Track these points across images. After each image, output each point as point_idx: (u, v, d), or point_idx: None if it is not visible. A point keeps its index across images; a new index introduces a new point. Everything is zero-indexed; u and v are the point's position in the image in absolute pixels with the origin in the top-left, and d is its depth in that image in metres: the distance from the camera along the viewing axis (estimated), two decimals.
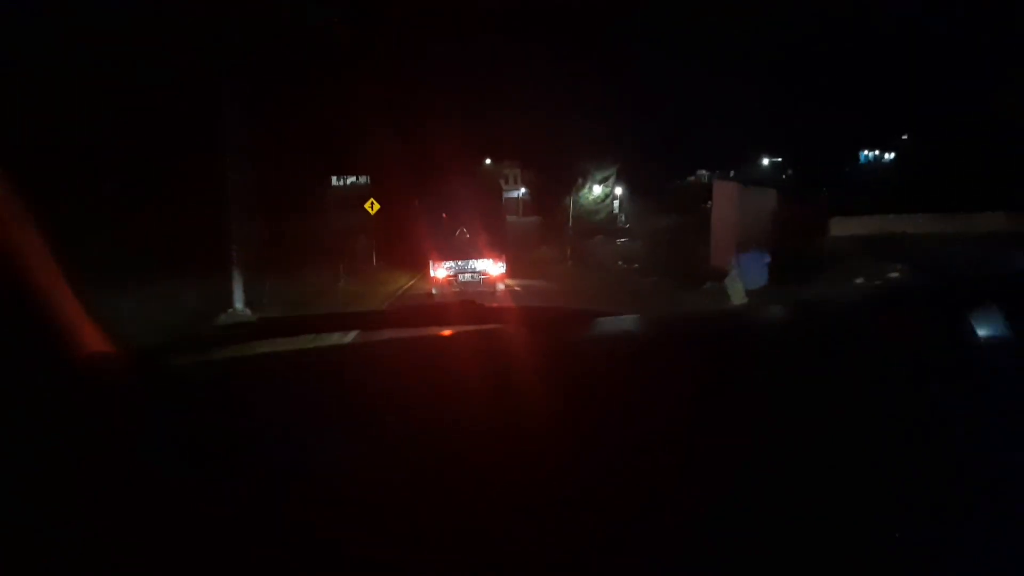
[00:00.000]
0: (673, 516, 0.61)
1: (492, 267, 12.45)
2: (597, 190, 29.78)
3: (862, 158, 27.60)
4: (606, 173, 29.36)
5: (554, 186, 29.54)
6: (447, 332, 1.07)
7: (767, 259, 11.53)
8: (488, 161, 31.87)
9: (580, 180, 29.06)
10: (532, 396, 0.79)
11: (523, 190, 34.06)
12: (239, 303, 9.27)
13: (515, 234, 19.85)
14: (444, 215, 13.04)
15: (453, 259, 12.39)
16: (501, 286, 12.38)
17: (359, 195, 19.50)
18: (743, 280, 11.07)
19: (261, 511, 0.63)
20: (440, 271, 12.34)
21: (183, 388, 0.87)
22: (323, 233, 15.77)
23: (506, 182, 32.49)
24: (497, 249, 12.63)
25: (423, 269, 13.34)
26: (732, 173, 27.54)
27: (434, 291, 12.21)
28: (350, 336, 1.39)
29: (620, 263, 20.27)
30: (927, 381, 0.76)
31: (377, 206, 17.79)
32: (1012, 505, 0.59)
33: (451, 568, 0.58)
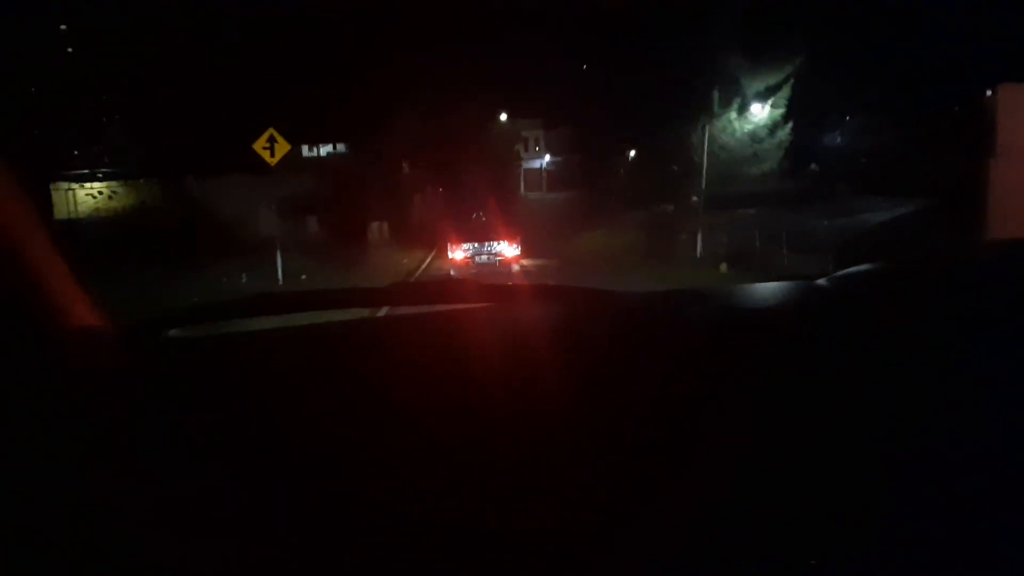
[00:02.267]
0: (673, 516, 0.63)
1: (507, 248, 13.45)
2: (759, 112, 15.20)
3: None
4: (777, 78, 14.78)
5: (615, 136, 18.36)
6: (440, 310, 1.07)
7: None
8: (504, 117, 25.72)
9: (716, 94, 15.27)
10: (527, 392, 0.77)
11: (548, 158, 28.86)
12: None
13: (543, 216, 18.68)
14: (458, 199, 13.86)
15: (470, 241, 13.46)
16: (516, 267, 13.27)
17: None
18: None
19: (259, 493, 0.66)
20: (458, 253, 13.41)
21: (177, 363, 0.91)
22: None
23: (525, 148, 28.53)
24: (512, 230, 13.69)
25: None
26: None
27: (452, 272, 13.20)
28: (354, 313, 1.41)
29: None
30: (931, 377, 0.75)
31: (285, 147, 10.81)
32: (1013, 503, 0.60)
33: (451, 567, 0.61)
